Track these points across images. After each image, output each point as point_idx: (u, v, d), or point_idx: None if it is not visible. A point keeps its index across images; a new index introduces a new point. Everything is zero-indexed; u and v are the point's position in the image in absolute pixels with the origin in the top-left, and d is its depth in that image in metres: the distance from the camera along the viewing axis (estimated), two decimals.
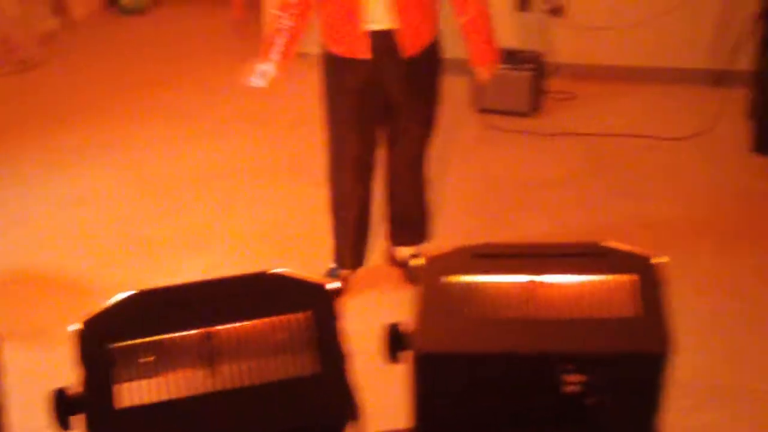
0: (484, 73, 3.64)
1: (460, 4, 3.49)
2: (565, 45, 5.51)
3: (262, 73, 3.63)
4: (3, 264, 4.08)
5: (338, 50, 3.47)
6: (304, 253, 4.12)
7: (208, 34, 6.63)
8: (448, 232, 4.14)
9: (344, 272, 3.85)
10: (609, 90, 5.45)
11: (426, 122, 3.68)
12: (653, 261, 2.00)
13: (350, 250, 3.82)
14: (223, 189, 4.69)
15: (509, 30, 5.52)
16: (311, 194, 4.60)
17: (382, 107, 3.58)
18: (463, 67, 5.30)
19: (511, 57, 5.21)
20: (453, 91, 5.42)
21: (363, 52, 3.42)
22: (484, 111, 5.25)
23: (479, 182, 4.65)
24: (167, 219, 4.45)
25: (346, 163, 3.63)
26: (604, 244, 2.01)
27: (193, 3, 7.16)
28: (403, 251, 3.95)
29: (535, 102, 5.22)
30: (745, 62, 5.07)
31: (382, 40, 3.40)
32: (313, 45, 3.68)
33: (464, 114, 5.28)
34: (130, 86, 5.87)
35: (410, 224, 3.94)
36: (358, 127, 3.56)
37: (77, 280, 3.95)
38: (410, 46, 3.44)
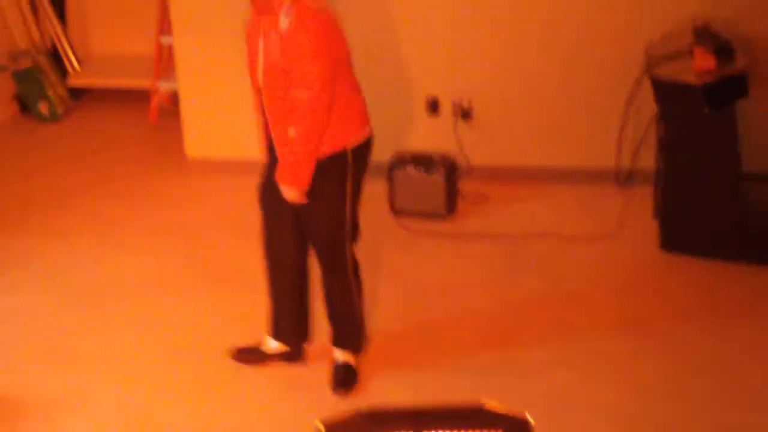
0: (283, 189, 3.66)
1: (291, 117, 3.55)
2: (475, 147, 5.63)
3: None
4: None
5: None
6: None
7: (126, 140, 6.63)
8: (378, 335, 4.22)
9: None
10: (520, 191, 5.57)
11: (324, 230, 3.79)
12: (528, 420, 2.12)
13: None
14: (145, 300, 4.68)
15: (421, 133, 5.65)
16: (236, 301, 4.63)
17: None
18: (378, 170, 5.44)
19: (424, 160, 5.33)
20: (370, 193, 5.53)
21: (264, 155, 3.75)
22: (400, 213, 5.33)
23: (397, 286, 4.70)
24: (93, 332, 4.44)
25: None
26: (485, 404, 2.11)
27: (110, 109, 7.16)
28: (336, 353, 4.02)
29: (450, 204, 5.31)
30: (648, 161, 5.25)
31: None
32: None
33: (380, 217, 5.35)
34: (48, 197, 5.82)
35: (335, 326, 4.01)
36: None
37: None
38: (278, 150, 3.66)
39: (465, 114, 5.59)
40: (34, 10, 7.30)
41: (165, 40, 6.61)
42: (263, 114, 3.72)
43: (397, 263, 4.92)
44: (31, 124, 6.99)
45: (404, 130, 5.68)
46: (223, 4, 5.69)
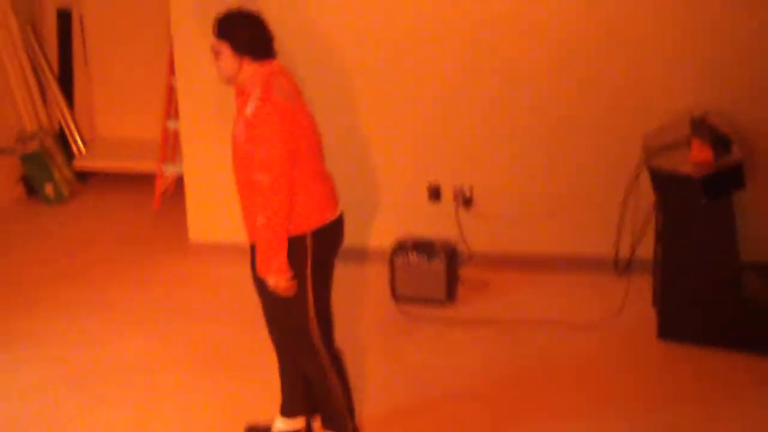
0: (269, 282, 3.71)
1: (257, 204, 3.66)
2: (476, 234, 5.70)
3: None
4: None
5: None
6: None
7: (131, 223, 6.70)
8: (369, 422, 4.26)
9: None
10: (520, 278, 5.62)
11: (284, 315, 3.85)
12: None
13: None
14: (144, 381, 4.71)
15: (422, 220, 5.72)
16: (236, 388, 4.64)
17: None
18: (380, 256, 5.50)
19: (425, 246, 5.39)
20: (372, 279, 5.60)
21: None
22: (401, 299, 5.37)
23: (397, 370, 4.74)
24: (92, 412, 4.47)
25: None
26: None
27: (115, 192, 7.26)
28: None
29: (450, 290, 5.36)
30: (647, 250, 5.31)
31: None
32: None
33: (381, 302, 5.39)
34: (53, 278, 5.88)
35: (319, 409, 4.09)
36: None
37: None
38: (249, 238, 3.79)
39: (466, 201, 5.67)
40: (42, 92, 7.45)
41: (171, 124, 6.73)
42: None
43: (398, 348, 4.95)
44: (36, 206, 7.07)
45: (406, 216, 5.75)
46: (230, 90, 5.80)
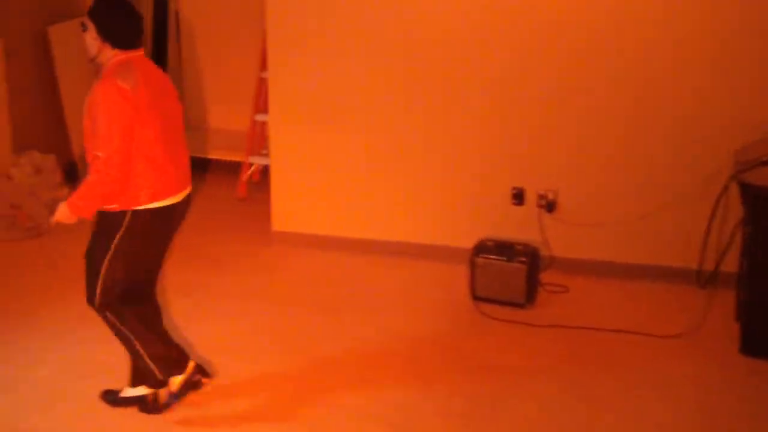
0: (57, 211, 4.05)
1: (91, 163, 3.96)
2: (558, 239, 5.70)
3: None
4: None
5: None
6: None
7: (216, 211, 6.83)
8: (437, 417, 4.26)
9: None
10: (601, 285, 5.60)
11: (88, 268, 4.15)
12: None
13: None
14: (224, 364, 4.78)
15: (505, 223, 5.74)
16: (300, 369, 4.71)
17: None
18: (462, 256, 5.53)
19: (507, 249, 5.40)
20: (452, 278, 5.63)
21: None
22: (480, 299, 5.39)
23: (473, 368, 4.75)
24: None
25: None
26: None
27: (200, 179, 7.39)
28: None
29: (530, 294, 5.36)
30: (731, 264, 5.26)
31: None
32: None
33: (460, 302, 5.42)
34: None
35: None
36: None
37: None
38: None
39: (550, 206, 5.67)
40: None
41: (260, 117, 6.86)
42: None
43: (473, 347, 4.97)
44: None
45: (489, 218, 5.77)
46: (319, 86, 5.91)
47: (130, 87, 3.90)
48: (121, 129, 3.87)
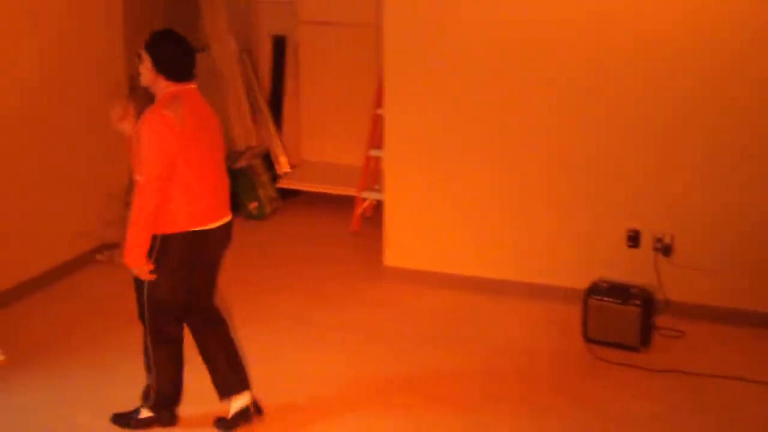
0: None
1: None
2: (674, 283, 5.61)
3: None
4: None
5: None
6: None
7: (327, 243, 6.93)
8: None
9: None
10: (718, 331, 5.48)
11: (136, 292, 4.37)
12: None
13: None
14: (333, 400, 4.82)
15: (620, 264, 5.67)
16: (423, 412, 4.71)
17: None
18: (574, 297, 5.48)
19: (621, 291, 5.34)
20: (564, 318, 5.59)
21: None
22: (592, 342, 5.33)
23: (586, 411, 4.69)
24: (280, 422, 4.61)
25: None
26: None
27: (314, 212, 7.53)
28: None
29: (644, 337, 5.28)
30: None
31: None
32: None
33: (572, 342, 5.38)
34: (248, 290, 6.13)
35: None
36: None
37: None
38: None
39: (666, 249, 5.59)
40: (254, 114, 7.82)
41: (374, 153, 6.94)
42: None
43: (586, 390, 4.90)
44: (239, 220, 7.35)
45: (602, 259, 5.71)
46: (434, 123, 5.96)
47: (177, 117, 4.12)
48: (163, 156, 4.08)
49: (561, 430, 4.53)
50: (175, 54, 4.20)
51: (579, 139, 5.70)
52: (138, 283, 4.31)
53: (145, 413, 4.54)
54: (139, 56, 4.20)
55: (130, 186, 4.36)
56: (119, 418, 4.55)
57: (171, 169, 4.11)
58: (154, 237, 4.18)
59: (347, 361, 5.22)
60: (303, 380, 5.00)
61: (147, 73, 4.20)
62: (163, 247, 4.21)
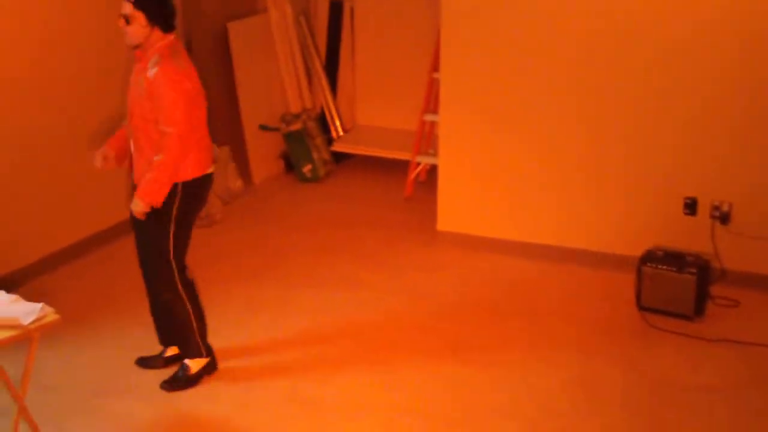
0: (133, 202, 4.35)
1: (159, 146, 4.29)
2: (731, 251, 5.55)
3: (96, 160, 4.54)
4: None
5: None
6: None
7: (380, 207, 6.95)
8: (598, 427, 4.24)
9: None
10: None
11: (151, 245, 4.50)
12: None
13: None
14: (385, 360, 4.87)
15: (676, 232, 5.61)
16: (465, 372, 4.74)
17: None
18: (629, 264, 5.44)
19: (676, 259, 5.29)
20: (618, 286, 5.56)
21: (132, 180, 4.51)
22: (646, 309, 5.30)
23: (636, 380, 4.68)
24: (334, 383, 4.66)
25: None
26: None
27: (367, 176, 7.55)
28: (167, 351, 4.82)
29: (698, 306, 5.24)
30: None
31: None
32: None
33: (626, 310, 5.35)
34: (303, 252, 6.20)
35: (174, 333, 4.72)
36: None
37: None
38: (136, 178, 4.43)
39: (723, 217, 5.52)
40: (309, 78, 7.84)
41: (429, 117, 6.93)
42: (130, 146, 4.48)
43: (638, 358, 4.89)
44: (293, 182, 7.45)
45: (659, 227, 5.66)
46: (490, 88, 5.93)
47: (187, 67, 4.34)
48: (185, 105, 4.27)
49: (613, 398, 4.52)
50: (166, 3, 4.32)
51: (635, 105, 5.63)
52: (158, 241, 4.44)
53: (194, 366, 4.63)
54: (126, 17, 4.23)
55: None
56: (171, 384, 4.62)
57: (192, 118, 4.30)
58: (175, 185, 4.35)
59: (397, 324, 5.25)
60: (355, 339, 5.06)
61: (139, 29, 4.25)
62: (184, 194, 4.37)
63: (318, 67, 7.79)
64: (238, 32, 7.22)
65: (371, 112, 7.97)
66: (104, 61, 6.11)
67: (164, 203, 4.35)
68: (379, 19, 7.75)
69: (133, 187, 4.45)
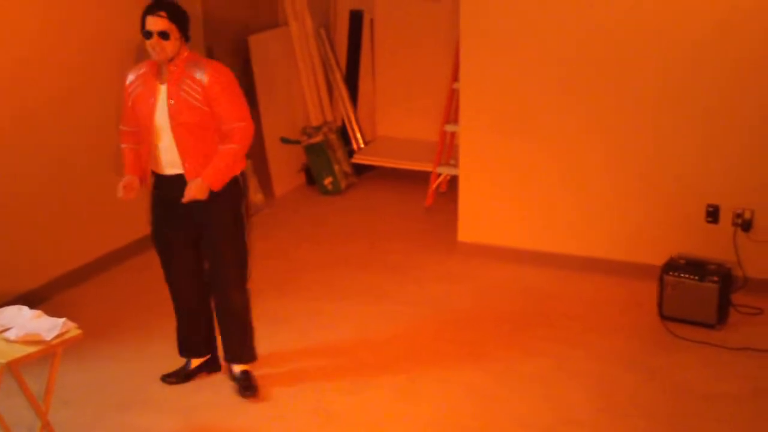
0: (191, 186, 4.34)
1: (226, 137, 4.38)
2: (753, 259, 5.51)
3: (120, 188, 4.46)
4: None
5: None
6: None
7: (401, 218, 6.96)
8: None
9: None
10: None
11: (238, 246, 4.56)
12: None
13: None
14: (408, 370, 4.88)
15: (697, 240, 5.59)
16: (485, 382, 4.74)
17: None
18: (651, 273, 5.42)
19: (698, 267, 5.27)
20: (639, 296, 5.54)
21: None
22: (668, 318, 5.27)
23: (659, 389, 4.65)
24: (355, 394, 4.68)
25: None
26: None
27: (388, 187, 7.56)
28: (236, 367, 4.77)
29: (721, 314, 5.21)
30: None
31: (172, 183, 4.43)
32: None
33: (648, 319, 5.33)
34: (323, 264, 6.22)
35: (236, 340, 4.71)
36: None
37: None
38: (192, 175, 4.38)
39: (745, 225, 5.49)
40: (330, 90, 7.87)
41: (450, 128, 6.94)
42: (154, 156, 4.45)
43: (661, 367, 4.86)
44: (314, 194, 7.48)
45: (680, 235, 5.63)
46: (510, 98, 5.93)
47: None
48: (245, 100, 4.46)
49: (634, 407, 4.50)
50: (187, 14, 4.41)
51: (655, 113, 5.61)
52: (238, 237, 4.53)
53: (251, 370, 4.76)
54: (163, 33, 4.26)
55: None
56: (246, 390, 4.67)
57: None
58: (233, 182, 4.46)
59: (418, 335, 5.26)
60: (377, 351, 5.08)
61: (175, 43, 4.32)
62: (241, 185, 4.52)
63: (338, 79, 7.82)
64: (259, 45, 7.27)
65: (392, 124, 7.99)
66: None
67: (234, 200, 4.49)
68: (399, 30, 7.77)
69: (168, 203, 4.50)
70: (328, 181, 7.44)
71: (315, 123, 7.68)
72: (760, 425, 4.33)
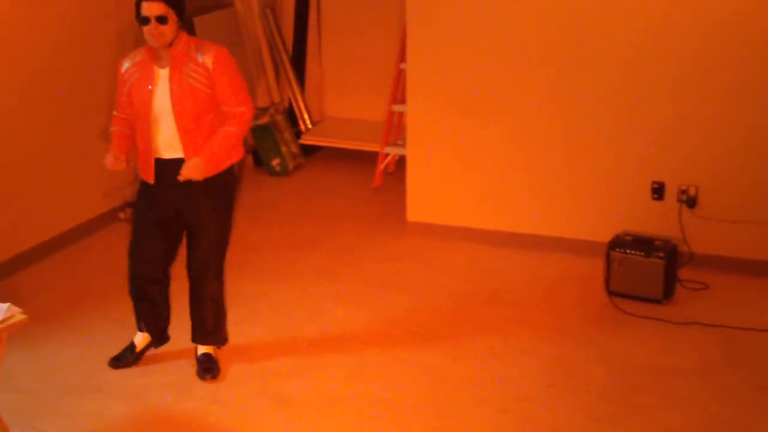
0: (188, 165, 4.30)
1: (225, 120, 4.37)
2: (698, 235, 5.60)
3: (108, 161, 4.43)
4: None
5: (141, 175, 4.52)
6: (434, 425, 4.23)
7: (350, 199, 6.95)
8: (578, 416, 4.23)
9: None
10: (742, 283, 5.46)
11: (222, 236, 4.55)
12: None
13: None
14: (359, 351, 4.87)
15: (643, 217, 5.65)
16: (437, 361, 4.75)
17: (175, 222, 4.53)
18: (597, 250, 5.48)
19: (644, 244, 5.33)
20: (587, 272, 5.59)
21: (149, 177, 4.44)
22: (615, 294, 5.33)
23: (607, 366, 4.70)
24: (305, 376, 4.65)
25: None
26: None
27: (336, 168, 7.54)
28: (200, 349, 4.76)
29: (667, 289, 5.28)
30: None
31: (169, 167, 4.36)
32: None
33: (595, 296, 5.38)
34: (275, 245, 6.20)
35: (209, 325, 4.69)
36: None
37: None
38: (190, 155, 4.35)
39: (690, 201, 5.57)
40: (276, 71, 7.81)
41: (397, 108, 6.93)
42: (151, 141, 4.39)
43: (609, 343, 4.91)
44: (262, 176, 7.43)
45: (626, 212, 5.70)
46: (457, 77, 5.94)
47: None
48: (245, 83, 4.46)
49: (587, 383, 4.55)
50: (184, 3, 4.36)
51: (602, 91, 5.66)
52: (226, 225, 4.53)
53: (214, 353, 4.74)
54: (161, 17, 4.19)
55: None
56: (207, 372, 4.64)
57: None
58: (227, 170, 4.45)
59: (368, 315, 5.26)
60: (335, 333, 5.06)
61: (173, 27, 4.26)
62: (235, 174, 4.52)
63: (285, 60, 7.77)
64: (204, 26, 7.18)
65: (339, 104, 7.96)
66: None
67: (226, 187, 4.48)
68: (346, 10, 7.73)
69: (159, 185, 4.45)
70: (275, 162, 7.39)
71: (262, 104, 7.63)
72: (706, 398, 4.40)
